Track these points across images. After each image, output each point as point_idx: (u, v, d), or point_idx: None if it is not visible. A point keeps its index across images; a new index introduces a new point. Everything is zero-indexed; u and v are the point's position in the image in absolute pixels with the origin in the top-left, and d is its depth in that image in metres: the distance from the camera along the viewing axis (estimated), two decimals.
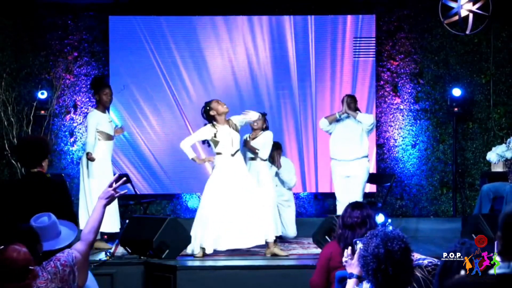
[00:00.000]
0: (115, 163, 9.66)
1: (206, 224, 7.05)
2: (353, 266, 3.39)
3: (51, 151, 5.06)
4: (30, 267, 3.36)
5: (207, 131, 7.22)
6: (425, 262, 3.46)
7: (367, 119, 8.40)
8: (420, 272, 3.39)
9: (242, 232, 7.05)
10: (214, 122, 7.20)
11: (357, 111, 8.48)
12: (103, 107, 7.82)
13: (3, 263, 3.30)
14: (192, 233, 7.11)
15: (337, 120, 8.47)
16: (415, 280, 3.29)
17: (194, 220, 7.24)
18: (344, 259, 3.56)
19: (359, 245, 3.27)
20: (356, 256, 3.32)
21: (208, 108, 7.21)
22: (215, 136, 7.16)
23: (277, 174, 8.58)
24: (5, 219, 4.62)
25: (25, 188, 4.82)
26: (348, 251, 3.50)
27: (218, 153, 7.20)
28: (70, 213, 4.77)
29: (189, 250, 7.14)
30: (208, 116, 7.22)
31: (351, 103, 8.43)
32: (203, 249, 7.06)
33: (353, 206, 4.32)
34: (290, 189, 8.77)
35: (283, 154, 8.87)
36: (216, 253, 7.17)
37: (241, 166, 7.27)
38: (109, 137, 7.82)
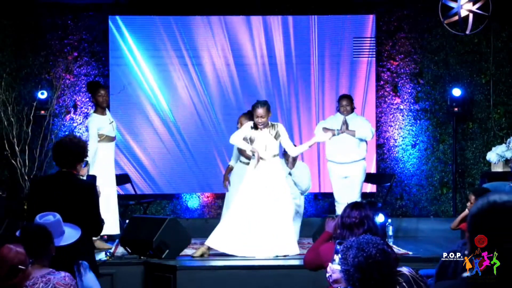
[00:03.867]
0: (115, 163, 9.66)
1: (232, 224, 7.09)
2: (338, 281, 3.38)
3: (86, 155, 5.00)
4: (21, 267, 3.34)
5: (246, 128, 7.26)
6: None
7: (365, 135, 8.41)
8: (409, 271, 3.38)
9: (266, 242, 7.08)
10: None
11: (353, 112, 8.51)
12: (101, 108, 7.84)
13: None
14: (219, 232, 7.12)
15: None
16: (405, 280, 3.28)
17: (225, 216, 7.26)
18: (327, 275, 3.56)
19: (336, 262, 3.26)
20: (338, 271, 3.30)
21: (252, 109, 7.26)
22: (250, 137, 7.21)
23: (290, 175, 8.56)
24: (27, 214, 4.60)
25: (51, 185, 4.79)
26: (331, 266, 3.50)
27: (253, 153, 7.24)
28: (94, 216, 4.73)
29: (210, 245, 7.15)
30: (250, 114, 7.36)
31: (348, 105, 8.45)
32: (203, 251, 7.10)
33: (352, 206, 4.32)
34: (303, 193, 8.72)
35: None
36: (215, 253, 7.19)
37: (273, 171, 7.22)
38: (110, 139, 7.85)
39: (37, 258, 3.55)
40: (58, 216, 4.00)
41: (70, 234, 4.00)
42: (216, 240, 7.10)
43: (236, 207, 7.17)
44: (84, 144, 4.92)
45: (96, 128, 7.72)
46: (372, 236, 3.03)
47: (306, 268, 4.78)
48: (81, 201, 4.67)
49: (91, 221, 4.62)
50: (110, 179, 7.81)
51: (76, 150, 4.83)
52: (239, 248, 7.07)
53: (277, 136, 7.22)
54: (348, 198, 8.33)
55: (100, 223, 4.72)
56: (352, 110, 8.51)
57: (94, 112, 7.90)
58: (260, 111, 7.10)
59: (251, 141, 7.21)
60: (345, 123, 8.39)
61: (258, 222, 7.07)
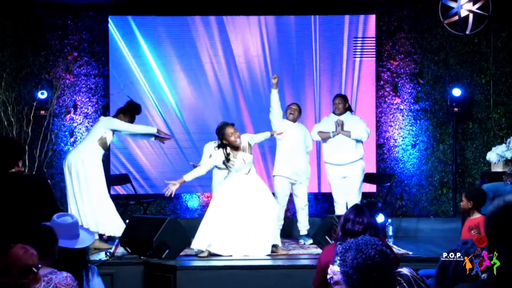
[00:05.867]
0: (115, 162, 9.67)
1: (217, 227, 7.10)
2: (339, 283, 3.38)
3: (25, 151, 5.03)
4: (34, 269, 3.35)
5: (219, 156, 7.25)
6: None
7: (361, 135, 8.39)
8: (409, 271, 3.38)
9: (251, 241, 7.15)
10: (228, 151, 7.25)
11: (350, 111, 8.53)
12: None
13: (8, 257, 3.32)
14: (200, 233, 7.14)
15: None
16: (406, 280, 3.28)
17: (204, 220, 7.24)
18: (328, 277, 3.56)
19: (336, 264, 3.25)
20: (339, 273, 3.30)
21: (221, 135, 7.21)
22: (227, 161, 7.23)
23: None
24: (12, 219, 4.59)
25: (6, 189, 4.77)
26: (331, 268, 3.49)
27: (231, 171, 7.32)
28: (54, 209, 4.75)
29: (194, 247, 7.18)
30: (222, 145, 7.24)
31: (340, 103, 8.47)
32: (208, 251, 7.12)
33: (356, 212, 4.27)
34: None
35: None
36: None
37: (255, 182, 7.33)
38: (105, 146, 7.82)
39: (41, 258, 3.56)
40: (75, 218, 4.02)
41: (85, 238, 4.00)
42: (204, 241, 7.14)
43: (218, 207, 7.20)
44: (18, 140, 4.93)
45: (116, 125, 7.72)
46: (371, 237, 3.02)
47: None
48: (39, 195, 4.68)
49: (52, 210, 4.60)
50: (101, 184, 7.70)
51: (14, 149, 4.83)
52: (227, 248, 7.14)
53: (249, 148, 7.30)
54: (347, 198, 8.35)
55: (58, 210, 4.74)
56: (346, 109, 8.51)
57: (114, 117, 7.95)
58: (232, 127, 7.23)
59: (229, 163, 7.26)
60: (339, 124, 8.37)
61: (241, 222, 7.15)
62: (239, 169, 7.24)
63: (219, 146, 7.24)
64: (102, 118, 8.05)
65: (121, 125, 7.77)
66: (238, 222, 7.15)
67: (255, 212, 7.18)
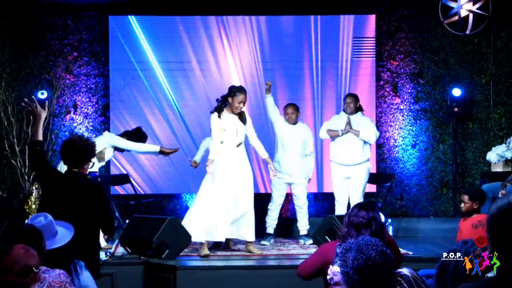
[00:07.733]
0: (115, 162, 9.67)
1: (202, 214, 7.20)
2: (340, 283, 3.38)
3: (94, 155, 5.04)
4: (34, 269, 3.35)
5: (215, 121, 7.34)
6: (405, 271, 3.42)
7: (369, 137, 8.35)
8: (410, 271, 3.38)
9: (235, 224, 7.33)
10: (224, 109, 7.30)
11: (360, 111, 8.48)
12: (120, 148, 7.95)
13: (9, 256, 3.32)
14: (189, 221, 7.23)
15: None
16: (406, 281, 3.28)
17: (192, 209, 7.35)
18: (328, 277, 3.56)
19: (336, 265, 3.25)
20: (339, 274, 3.30)
21: (231, 93, 7.33)
22: (219, 115, 7.34)
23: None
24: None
25: (64, 184, 4.83)
26: (332, 268, 3.49)
27: (222, 142, 7.34)
28: (105, 217, 4.80)
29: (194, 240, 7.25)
30: (224, 98, 7.34)
31: (351, 103, 8.43)
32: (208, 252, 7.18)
33: (360, 206, 4.28)
34: None
35: None
36: (216, 253, 7.20)
37: (243, 158, 7.41)
38: (101, 161, 7.85)
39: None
40: (49, 217, 4.00)
41: (63, 235, 3.99)
42: (201, 232, 7.21)
43: (209, 195, 7.29)
44: (92, 144, 4.94)
45: (119, 143, 7.80)
46: (372, 237, 3.02)
47: (300, 274, 4.76)
48: (90, 201, 4.73)
49: (100, 221, 4.74)
50: None
51: (85, 149, 4.85)
52: (222, 233, 7.24)
53: (244, 121, 7.40)
54: (349, 199, 8.34)
55: (109, 222, 4.80)
56: (357, 109, 8.46)
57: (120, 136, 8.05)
58: (245, 97, 7.35)
59: (222, 127, 7.37)
60: (349, 123, 8.33)
61: (230, 207, 7.28)
62: (230, 139, 7.30)
63: (220, 99, 7.35)
64: (106, 133, 8.13)
65: (124, 143, 7.86)
66: (228, 205, 7.25)
67: (239, 195, 7.29)
